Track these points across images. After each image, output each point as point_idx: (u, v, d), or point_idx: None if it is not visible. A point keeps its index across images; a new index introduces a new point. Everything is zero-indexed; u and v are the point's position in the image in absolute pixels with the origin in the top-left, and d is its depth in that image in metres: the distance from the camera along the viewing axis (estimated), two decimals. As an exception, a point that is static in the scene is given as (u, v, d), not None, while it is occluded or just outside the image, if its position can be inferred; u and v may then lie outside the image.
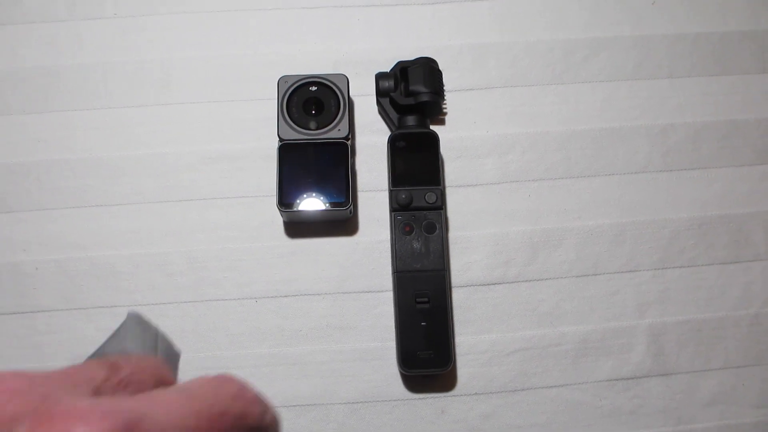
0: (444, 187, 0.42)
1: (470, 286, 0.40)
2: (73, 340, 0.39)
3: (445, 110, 0.43)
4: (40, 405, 0.18)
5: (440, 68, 0.43)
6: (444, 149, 0.42)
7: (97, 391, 0.21)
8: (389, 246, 0.40)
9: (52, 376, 0.20)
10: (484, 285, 0.40)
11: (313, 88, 0.41)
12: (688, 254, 0.41)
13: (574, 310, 0.40)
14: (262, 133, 0.41)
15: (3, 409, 0.18)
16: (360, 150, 0.43)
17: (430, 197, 0.40)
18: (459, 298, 0.40)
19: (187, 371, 0.39)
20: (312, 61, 0.45)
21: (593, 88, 0.45)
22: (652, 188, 0.42)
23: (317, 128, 0.40)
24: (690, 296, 0.41)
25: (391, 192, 0.40)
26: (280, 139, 0.40)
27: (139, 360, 0.21)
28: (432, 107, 0.41)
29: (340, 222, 0.41)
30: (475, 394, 0.39)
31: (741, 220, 0.42)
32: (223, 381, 0.20)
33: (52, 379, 0.20)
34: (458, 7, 0.46)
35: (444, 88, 0.43)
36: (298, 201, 0.39)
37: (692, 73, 0.45)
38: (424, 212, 0.40)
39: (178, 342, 0.40)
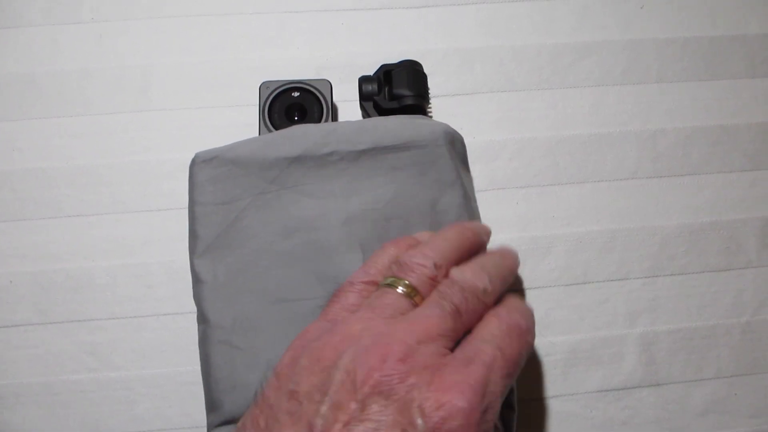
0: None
1: (457, 295, 0.39)
2: (48, 355, 0.38)
3: (430, 115, 0.43)
4: (427, 374, 0.24)
5: (426, 72, 0.42)
6: (430, 156, 0.41)
7: (450, 344, 0.27)
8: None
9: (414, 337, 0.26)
10: (472, 294, 0.39)
11: (296, 94, 0.40)
12: (679, 262, 0.41)
13: (563, 319, 0.39)
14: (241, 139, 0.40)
15: (401, 382, 0.24)
16: (344, 157, 0.42)
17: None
18: (446, 308, 0.39)
19: (168, 386, 0.38)
20: (295, 67, 0.44)
21: (581, 93, 0.44)
22: (642, 194, 0.42)
23: (300, 135, 0.39)
24: (681, 304, 0.40)
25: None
26: (262, 147, 0.39)
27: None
28: (416, 111, 0.40)
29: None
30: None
31: (732, 226, 0.41)
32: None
33: (420, 342, 0.26)
34: (444, 12, 0.46)
35: (429, 91, 0.42)
36: (280, 210, 0.38)
37: (681, 78, 0.45)
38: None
39: (159, 357, 0.39)
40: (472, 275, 0.29)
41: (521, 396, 0.38)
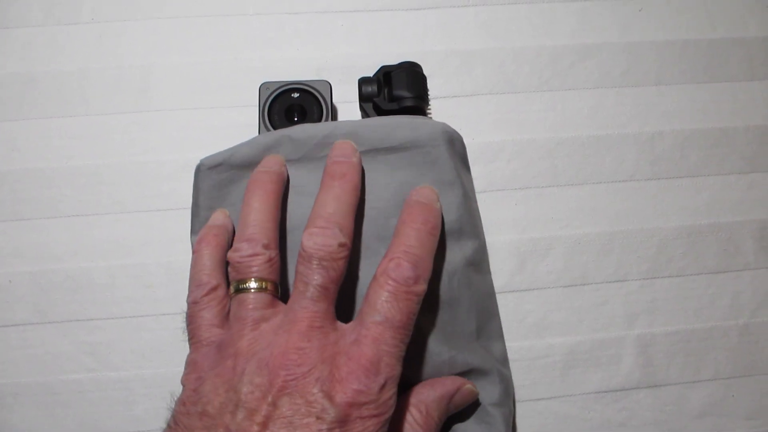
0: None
1: (456, 297, 0.39)
2: (47, 355, 0.38)
3: (429, 116, 0.43)
4: (325, 367, 0.27)
5: (425, 74, 0.42)
6: (429, 157, 0.41)
7: (331, 318, 0.29)
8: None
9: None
10: (471, 296, 0.39)
11: (295, 95, 0.40)
12: (677, 264, 0.41)
13: (561, 321, 0.39)
14: (242, 140, 0.40)
15: (304, 378, 0.26)
16: (344, 158, 0.42)
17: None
18: (445, 309, 0.39)
19: (167, 386, 0.38)
20: (295, 68, 0.44)
21: (580, 95, 0.44)
22: (640, 196, 0.42)
23: (299, 136, 0.39)
24: (679, 306, 0.40)
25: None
26: (262, 148, 0.39)
27: None
28: (416, 113, 0.40)
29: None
30: (462, 407, 0.38)
31: (730, 228, 0.42)
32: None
33: (307, 339, 0.28)
34: (444, 13, 0.46)
35: (428, 93, 0.42)
36: (279, 211, 0.38)
37: (680, 81, 0.45)
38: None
39: (159, 357, 0.39)
40: (322, 236, 0.29)
41: (519, 397, 0.38)
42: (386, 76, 0.41)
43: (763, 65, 0.45)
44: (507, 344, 0.38)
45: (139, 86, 0.43)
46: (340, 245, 0.29)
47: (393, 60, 0.43)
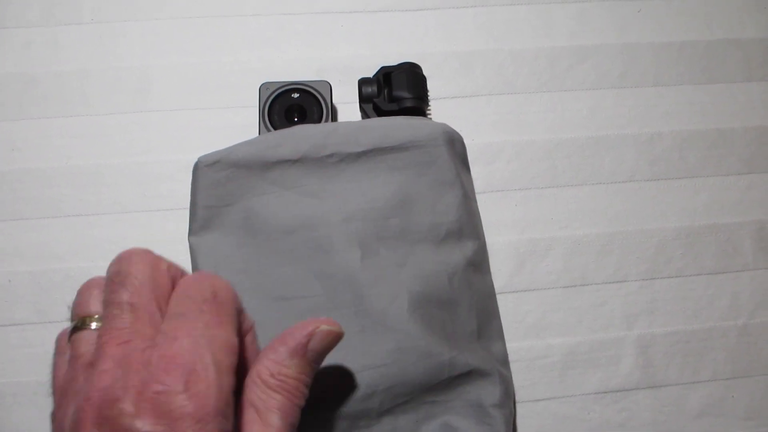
0: (429, 197, 0.41)
1: (455, 297, 0.39)
2: (47, 354, 0.38)
3: (429, 117, 0.43)
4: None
5: (425, 75, 0.42)
6: (429, 158, 0.41)
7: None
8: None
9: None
10: (470, 296, 0.40)
11: (296, 95, 0.40)
12: (676, 264, 0.41)
13: (561, 322, 0.39)
14: (243, 141, 0.40)
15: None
16: (343, 158, 0.42)
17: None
18: (444, 309, 0.39)
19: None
20: (294, 68, 0.44)
21: (579, 96, 0.44)
22: (639, 197, 0.42)
23: (299, 136, 0.40)
24: (678, 307, 0.40)
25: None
26: (262, 148, 0.39)
27: None
28: (416, 113, 0.41)
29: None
30: (461, 407, 0.38)
31: (729, 229, 0.42)
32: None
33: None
34: (443, 14, 0.46)
35: (428, 94, 0.42)
36: (279, 211, 0.38)
37: (678, 82, 0.45)
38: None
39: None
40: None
41: (519, 398, 0.38)
42: (386, 76, 0.41)
43: (760, 66, 0.46)
44: (506, 345, 0.38)
45: (138, 87, 0.43)
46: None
47: (393, 61, 0.43)
